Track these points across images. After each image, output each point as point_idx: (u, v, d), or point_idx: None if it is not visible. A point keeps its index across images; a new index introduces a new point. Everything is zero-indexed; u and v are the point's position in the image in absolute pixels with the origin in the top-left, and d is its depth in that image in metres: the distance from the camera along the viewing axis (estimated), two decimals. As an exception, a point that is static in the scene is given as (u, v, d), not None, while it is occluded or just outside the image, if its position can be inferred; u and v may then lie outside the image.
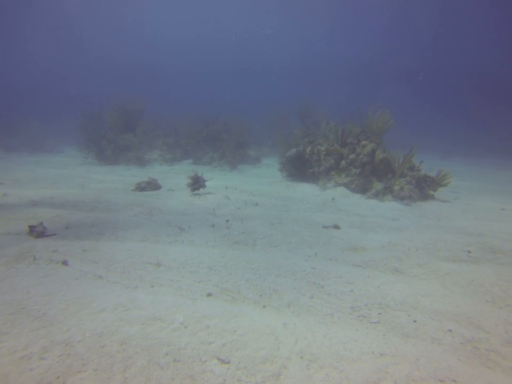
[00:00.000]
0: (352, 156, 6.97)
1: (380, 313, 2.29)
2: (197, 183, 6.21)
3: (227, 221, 4.38)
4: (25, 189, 6.09)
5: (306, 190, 6.87)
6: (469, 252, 3.44)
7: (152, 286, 2.56)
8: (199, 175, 6.27)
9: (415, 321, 2.19)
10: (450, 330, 2.06)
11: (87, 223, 4.09)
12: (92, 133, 11.91)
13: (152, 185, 6.65)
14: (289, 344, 1.87)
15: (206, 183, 6.39)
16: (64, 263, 2.80)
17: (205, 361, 1.71)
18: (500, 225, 4.52)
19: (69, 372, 1.54)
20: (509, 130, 20.41)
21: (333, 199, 6.07)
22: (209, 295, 2.44)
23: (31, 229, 3.42)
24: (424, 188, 6.40)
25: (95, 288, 2.46)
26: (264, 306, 2.32)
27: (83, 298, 2.25)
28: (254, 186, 7.10)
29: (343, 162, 7.11)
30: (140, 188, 6.50)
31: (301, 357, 1.76)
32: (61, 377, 1.51)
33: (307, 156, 7.72)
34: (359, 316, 2.26)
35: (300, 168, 7.81)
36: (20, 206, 4.64)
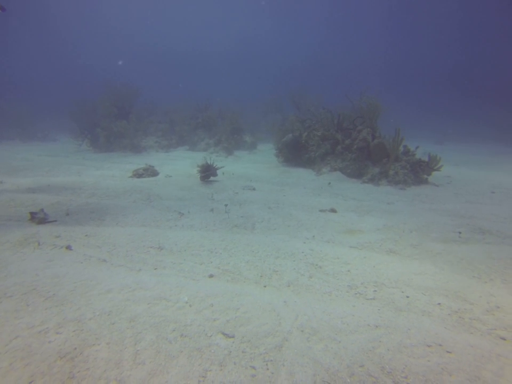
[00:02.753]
0: (347, 141, 7.03)
1: (375, 291, 2.41)
2: (207, 171, 5.98)
3: (226, 205, 4.46)
4: (21, 176, 6.07)
5: (302, 175, 6.94)
6: (460, 232, 3.57)
7: (155, 269, 2.64)
8: (210, 163, 6.03)
9: (407, 296, 2.31)
10: (439, 303, 2.20)
11: (87, 210, 4.14)
12: (85, 120, 11.76)
13: (150, 172, 6.66)
14: (290, 319, 1.98)
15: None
16: (68, 247, 2.87)
17: (211, 336, 1.82)
18: (489, 207, 4.68)
19: (84, 345, 1.64)
20: (505, 118, 20.68)
21: (329, 183, 6.17)
22: (211, 276, 2.54)
23: (33, 215, 3.46)
24: (418, 172, 6.52)
25: (100, 271, 2.53)
26: (265, 286, 2.42)
27: (89, 280, 2.32)
28: (251, 172, 7.16)
29: (338, 147, 7.17)
30: (138, 174, 6.51)
31: (302, 331, 1.88)
32: (78, 348, 1.61)
33: (303, 141, 7.75)
34: (356, 294, 2.37)
35: (296, 154, 7.86)
36: (18, 193, 4.65)
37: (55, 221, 3.60)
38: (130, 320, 1.91)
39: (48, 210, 3.89)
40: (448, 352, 1.70)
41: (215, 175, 6.07)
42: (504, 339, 1.85)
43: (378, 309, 2.15)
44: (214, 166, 6.06)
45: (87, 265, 2.61)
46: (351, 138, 7.04)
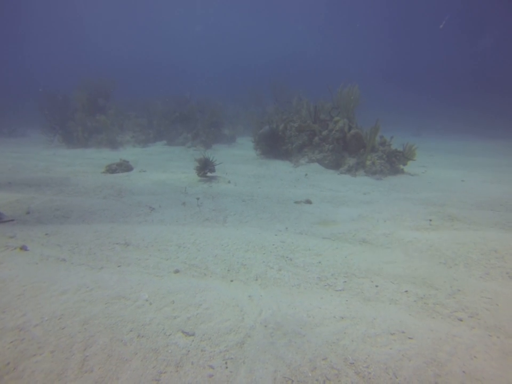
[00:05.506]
0: (324, 132, 7.00)
1: (345, 281, 2.37)
2: (206, 168, 5.65)
3: (198, 199, 4.33)
4: (-19, 174, 5.69)
5: (279, 167, 6.88)
6: (430, 220, 3.61)
7: (119, 266, 2.51)
8: (208, 158, 5.70)
9: (376, 286, 2.29)
10: (406, 291, 2.18)
11: (51, 207, 3.91)
12: (56, 114, 11.20)
13: (124, 167, 6.42)
14: (253, 314, 1.90)
15: (179, 165, 6.01)
16: (23, 248, 2.67)
17: (170, 335, 1.72)
18: (458, 195, 4.79)
19: (22, 357, 1.49)
20: (482, 109, 21.49)
21: (306, 175, 6.13)
22: (176, 271, 2.43)
23: (-15, 215, 3.22)
24: (394, 162, 6.59)
25: (57, 271, 2.37)
26: (231, 281, 2.34)
27: (42, 282, 2.16)
28: (227, 165, 7.03)
29: (316, 138, 7.14)
30: (111, 170, 6.26)
31: (265, 326, 1.80)
32: (11, 363, 1.45)
33: (280, 133, 7.67)
34: (325, 285, 2.33)
35: (273, 146, 7.77)
36: (-25, 192, 4.34)
37: (12, 220, 3.37)
38: (83, 323, 1.77)
39: (6, 209, 3.64)
40: (409, 338, 1.69)
41: (213, 171, 5.78)
42: (461, 320, 1.88)
43: (346, 300, 2.11)
44: (213, 161, 5.73)
45: (43, 266, 2.44)
46: (328, 129, 7.01)
